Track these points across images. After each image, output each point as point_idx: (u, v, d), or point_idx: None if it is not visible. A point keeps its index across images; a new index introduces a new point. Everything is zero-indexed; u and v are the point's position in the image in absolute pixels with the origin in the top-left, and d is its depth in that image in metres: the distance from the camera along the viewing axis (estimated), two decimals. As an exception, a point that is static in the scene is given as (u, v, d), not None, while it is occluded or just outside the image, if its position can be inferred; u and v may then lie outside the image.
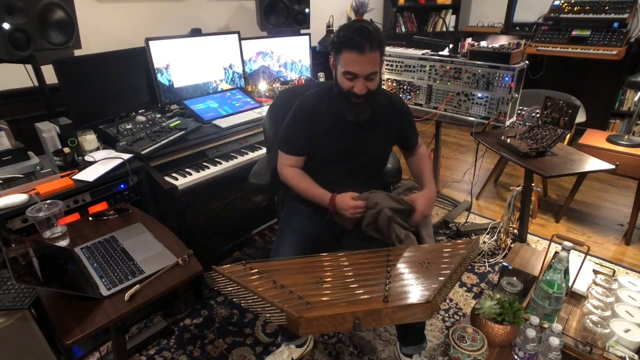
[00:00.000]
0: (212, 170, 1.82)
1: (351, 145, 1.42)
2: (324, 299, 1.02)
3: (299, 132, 1.42)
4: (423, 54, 2.22)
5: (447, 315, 1.85)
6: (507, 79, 1.93)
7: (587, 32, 3.29)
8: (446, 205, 2.77)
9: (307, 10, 2.64)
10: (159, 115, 1.96)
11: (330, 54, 1.31)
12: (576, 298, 1.44)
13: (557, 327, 1.13)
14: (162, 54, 1.99)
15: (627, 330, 1.22)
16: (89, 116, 1.76)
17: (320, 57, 3.13)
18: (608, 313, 1.29)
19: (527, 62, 1.98)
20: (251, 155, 1.98)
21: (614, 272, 1.60)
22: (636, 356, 1.17)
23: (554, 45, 3.40)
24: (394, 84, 2.39)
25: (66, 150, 1.56)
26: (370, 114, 1.35)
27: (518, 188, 2.08)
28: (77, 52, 1.74)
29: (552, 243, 1.40)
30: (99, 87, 1.80)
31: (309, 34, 2.66)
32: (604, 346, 1.18)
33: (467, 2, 4.43)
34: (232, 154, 1.97)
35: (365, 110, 1.32)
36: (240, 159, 1.94)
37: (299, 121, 1.42)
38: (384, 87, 2.44)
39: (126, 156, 1.63)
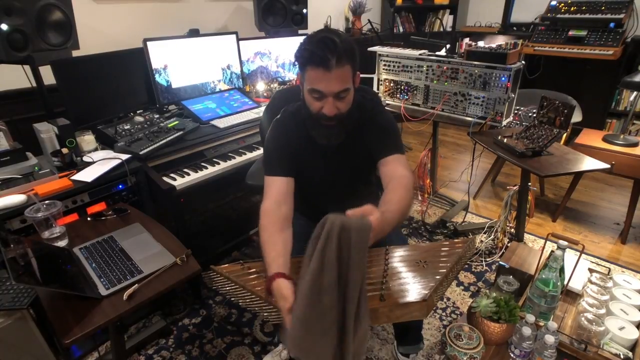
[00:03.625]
0: (210, 171, 1.83)
1: (329, 170, 1.28)
2: (321, 297, 1.02)
3: (282, 150, 1.22)
4: (420, 54, 2.23)
5: (444, 314, 1.86)
6: (503, 79, 1.94)
7: (584, 32, 3.30)
8: (443, 205, 2.78)
9: (304, 10, 2.64)
10: (157, 116, 1.96)
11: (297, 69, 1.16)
12: (572, 296, 1.45)
13: (553, 325, 1.14)
14: (160, 55, 2.00)
15: (621, 328, 1.24)
16: (87, 117, 1.76)
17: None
18: (603, 311, 1.30)
19: (523, 62, 1.99)
20: (249, 155, 1.99)
21: (609, 270, 1.61)
22: (630, 353, 1.18)
23: (550, 45, 3.42)
24: (392, 84, 2.40)
25: (64, 150, 1.57)
26: (346, 136, 1.19)
27: (515, 187, 2.09)
28: (75, 53, 1.75)
29: (548, 242, 1.41)
30: (97, 88, 1.80)
31: (306, 35, 2.66)
32: (598, 344, 1.19)
33: (465, 2, 4.45)
34: (230, 154, 1.97)
35: (337, 133, 1.16)
36: (238, 159, 1.94)
37: (280, 140, 1.24)
38: (381, 87, 2.45)
39: (124, 156, 1.63)
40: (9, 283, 1.33)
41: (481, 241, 2.34)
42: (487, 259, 2.21)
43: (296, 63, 1.13)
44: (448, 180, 3.14)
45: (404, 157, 1.24)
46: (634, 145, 2.26)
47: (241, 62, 2.37)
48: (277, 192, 1.16)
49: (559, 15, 3.43)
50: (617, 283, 1.45)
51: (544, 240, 1.41)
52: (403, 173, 1.16)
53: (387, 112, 1.31)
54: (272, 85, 2.51)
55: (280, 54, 2.58)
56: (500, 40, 3.90)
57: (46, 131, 1.56)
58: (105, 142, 1.77)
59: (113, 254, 1.22)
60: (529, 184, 2.01)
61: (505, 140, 1.92)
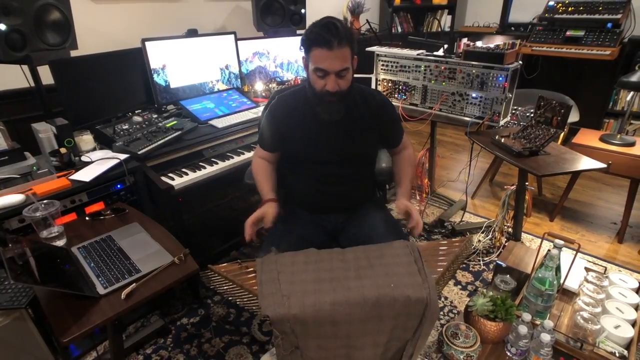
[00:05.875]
0: (208, 170, 1.83)
1: (331, 146, 1.40)
2: (319, 296, 1.03)
3: (271, 128, 1.43)
4: (418, 55, 2.24)
5: (442, 313, 1.86)
6: (500, 79, 1.95)
7: (581, 33, 3.31)
8: (442, 205, 2.78)
9: (303, 10, 2.65)
10: (155, 116, 1.97)
11: (303, 53, 1.31)
12: (568, 295, 1.46)
13: (549, 323, 1.15)
14: (159, 55, 2.00)
15: (617, 327, 1.25)
16: (85, 117, 1.77)
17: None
18: (599, 309, 1.31)
19: (520, 62, 1.99)
20: (247, 155, 1.99)
21: (606, 269, 1.62)
22: (626, 352, 1.19)
23: (548, 45, 3.43)
24: (390, 84, 2.41)
25: (63, 150, 1.57)
26: (345, 113, 1.34)
27: (512, 187, 2.09)
28: (74, 53, 1.75)
29: (545, 241, 1.42)
30: (95, 88, 1.80)
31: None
32: (594, 342, 1.20)
33: (463, 2, 4.46)
34: (228, 154, 1.98)
35: (338, 109, 1.31)
36: (236, 159, 1.95)
37: (273, 118, 1.43)
38: (379, 87, 2.46)
39: (123, 156, 1.63)
40: (7, 282, 1.33)
41: (479, 240, 2.34)
42: (485, 258, 2.21)
43: (302, 47, 1.28)
44: (446, 180, 3.15)
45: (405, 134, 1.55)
46: (631, 145, 2.28)
47: (239, 62, 2.37)
48: (263, 155, 1.48)
49: (556, 16, 3.44)
50: (613, 282, 1.46)
51: (540, 240, 1.42)
52: (409, 152, 1.55)
53: (381, 92, 1.56)
54: (270, 85, 2.51)
55: (278, 54, 2.59)
56: (498, 40, 3.91)
57: (44, 131, 1.56)
58: (104, 142, 1.77)
59: (111, 254, 1.22)
60: (527, 183, 2.02)
61: (502, 140, 1.93)
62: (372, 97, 1.43)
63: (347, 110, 1.34)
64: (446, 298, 1.95)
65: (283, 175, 1.54)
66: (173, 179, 1.72)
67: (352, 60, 1.27)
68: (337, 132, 1.38)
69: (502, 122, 2.04)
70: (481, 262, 2.19)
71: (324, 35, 1.18)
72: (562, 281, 1.41)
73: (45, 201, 1.29)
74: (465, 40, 3.78)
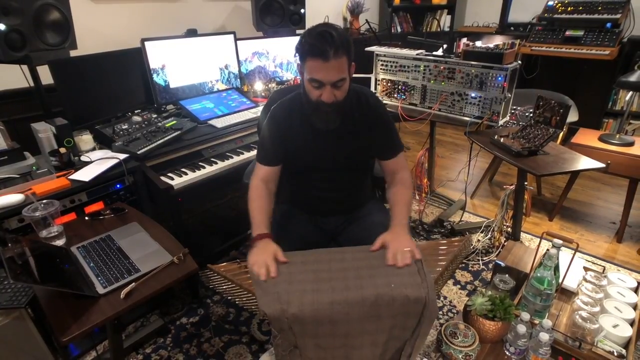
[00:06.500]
0: (207, 170, 1.83)
1: (327, 153, 1.36)
2: (318, 296, 1.03)
3: (271, 142, 1.35)
4: (417, 54, 2.24)
5: (441, 312, 1.87)
6: (500, 78, 1.95)
7: (581, 32, 3.32)
8: (441, 204, 2.79)
9: (302, 10, 2.65)
10: (154, 116, 1.97)
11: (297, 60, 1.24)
12: (567, 294, 1.46)
13: (548, 323, 1.15)
14: (158, 55, 2.00)
15: (615, 326, 1.25)
16: (85, 116, 1.77)
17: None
18: (597, 309, 1.31)
19: (519, 62, 2.00)
20: (247, 155, 1.99)
21: (604, 268, 1.63)
22: (624, 351, 1.19)
23: (548, 45, 3.43)
24: (389, 84, 2.41)
25: (62, 150, 1.57)
26: (341, 122, 1.30)
27: (511, 187, 2.10)
28: (73, 53, 1.75)
29: (544, 241, 1.42)
30: (95, 88, 1.81)
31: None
32: (593, 341, 1.21)
33: (463, 2, 4.46)
34: (227, 153, 1.98)
35: (334, 119, 1.27)
36: (236, 159, 1.95)
37: (271, 132, 1.35)
38: (379, 87, 2.46)
39: (122, 156, 1.64)
40: (7, 282, 1.33)
41: (478, 240, 2.35)
42: (484, 258, 2.22)
43: (296, 55, 1.21)
44: (445, 179, 3.15)
45: (403, 153, 1.41)
46: (630, 144, 2.28)
47: (239, 61, 2.38)
48: (263, 175, 1.35)
49: (556, 16, 3.44)
50: (612, 281, 1.46)
51: (539, 239, 1.42)
52: (405, 175, 1.38)
53: (375, 96, 1.44)
54: (269, 85, 2.52)
55: (278, 53, 2.59)
56: (497, 40, 3.91)
57: (44, 131, 1.56)
58: (103, 142, 1.78)
59: (110, 253, 1.22)
60: (526, 183, 2.02)
61: (501, 139, 1.93)
62: (367, 99, 1.36)
63: (343, 116, 1.30)
64: (445, 297, 1.95)
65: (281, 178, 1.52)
66: (172, 179, 1.73)
67: (350, 68, 1.21)
68: (334, 139, 1.34)
69: (501, 122, 2.05)
70: (480, 262, 2.19)
71: (319, 45, 1.11)
72: (560, 280, 1.41)
73: (44, 201, 1.29)
74: (464, 40, 3.78)
